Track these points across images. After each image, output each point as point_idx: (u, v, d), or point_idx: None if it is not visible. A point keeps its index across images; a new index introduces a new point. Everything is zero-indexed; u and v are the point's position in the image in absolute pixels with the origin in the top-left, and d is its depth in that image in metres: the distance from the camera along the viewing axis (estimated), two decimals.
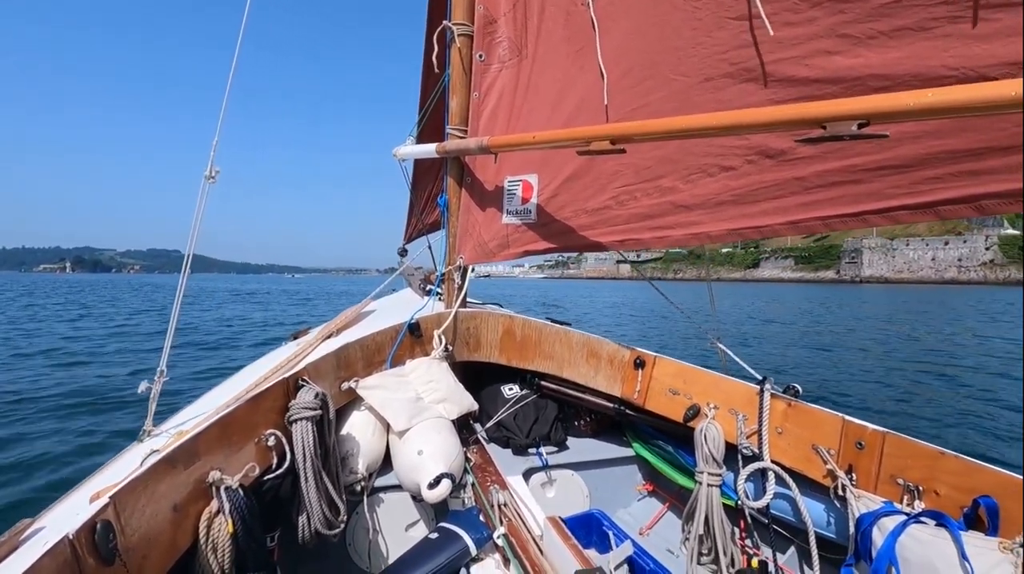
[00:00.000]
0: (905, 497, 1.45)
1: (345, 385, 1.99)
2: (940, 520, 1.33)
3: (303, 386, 1.71)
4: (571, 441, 2.39)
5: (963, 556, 1.23)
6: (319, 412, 1.66)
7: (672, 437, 2.13)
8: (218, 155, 1.94)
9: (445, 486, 1.74)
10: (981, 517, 1.30)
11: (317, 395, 1.68)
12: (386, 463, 1.98)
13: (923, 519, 1.36)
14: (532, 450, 2.28)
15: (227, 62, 2.14)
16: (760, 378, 1.81)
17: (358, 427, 1.98)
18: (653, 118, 1.82)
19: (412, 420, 1.93)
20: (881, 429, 1.53)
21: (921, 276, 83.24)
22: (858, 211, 1.48)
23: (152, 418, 1.76)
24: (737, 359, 2.02)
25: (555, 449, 2.32)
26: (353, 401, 2.04)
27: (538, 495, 2.14)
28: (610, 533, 1.91)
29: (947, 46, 1.27)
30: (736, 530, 1.84)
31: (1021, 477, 1.27)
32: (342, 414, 2.01)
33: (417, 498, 1.96)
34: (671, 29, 1.77)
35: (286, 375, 1.73)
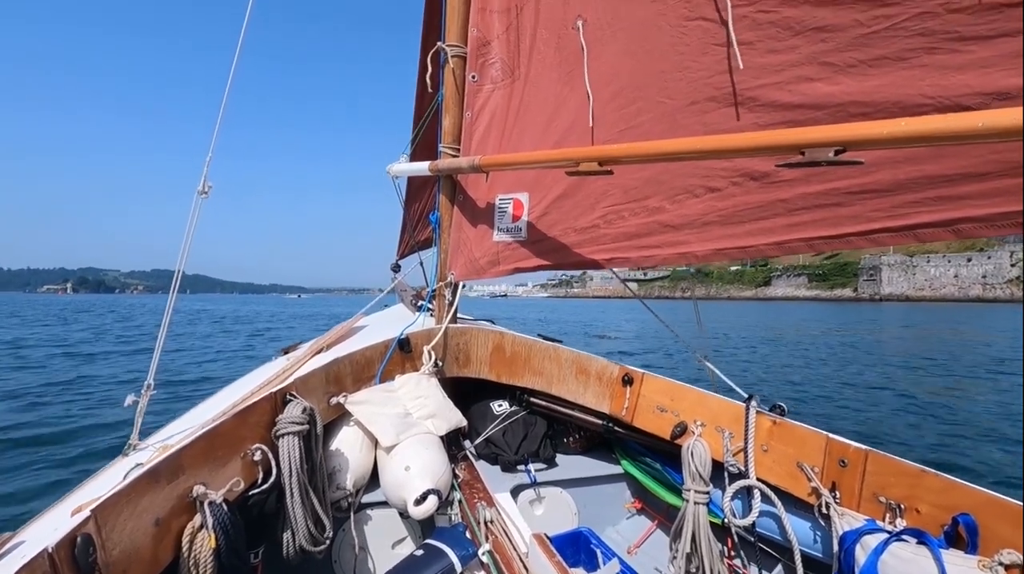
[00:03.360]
0: (887, 515, 1.46)
1: (334, 400, 1.99)
2: (921, 538, 1.34)
3: (291, 401, 1.71)
4: (560, 458, 2.39)
5: None
6: (306, 427, 1.66)
7: (660, 454, 2.14)
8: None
9: (431, 503, 1.73)
10: (961, 535, 1.31)
11: (305, 410, 1.68)
12: (373, 479, 1.98)
13: (905, 537, 1.37)
14: (521, 467, 2.28)
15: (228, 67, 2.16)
16: (746, 396, 1.83)
17: (346, 442, 1.97)
18: (642, 139, 1.87)
19: (400, 436, 1.93)
20: (863, 447, 1.55)
21: (944, 294, 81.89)
22: (841, 233, 1.52)
23: (138, 432, 1.75)
24: (724, 378, 2.04)
25: (544, 466, 2.32)
26: (341, 416, 2.04)
27: (526, 512, 2.14)
28: (598, 551, 1.91)
29: (924, 75, 1.32)
30: (724, 548, 1.84)
31: (999, 495, 1.29)
32: (330, 429, 2.01)
33: (404, 515, 1.95)
34: (659, 53, 1.82)
35: (274, 390, 1.73)
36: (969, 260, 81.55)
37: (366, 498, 2.00)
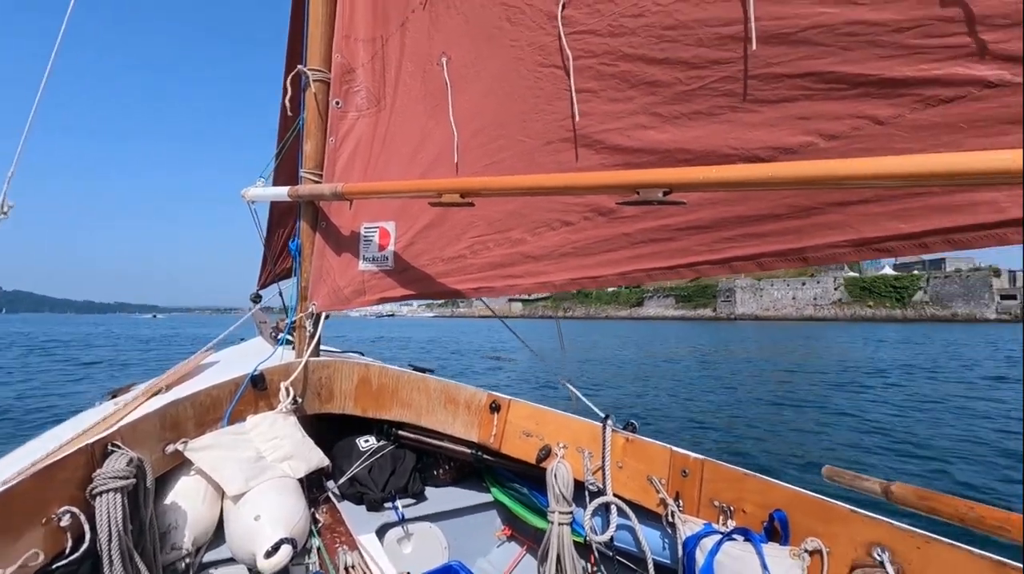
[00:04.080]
0: (720, 517, 1.62)
1: (171, 448, 1.77)
2: (747, 536, 1.50)
3: (113, 452, 1.50)
4: (430, 491, 2.34)
5: (764, 566, 1.40)
6: (132, 481, 1.46)
7: (528, 479, 2.18)
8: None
9: (284, 553, 1.60)
10: (777, 529, 1.50)
11: (131, 462, 1.48)
12: (220, 534, 1.78)
13: (734, 536, 1.53)
14: (388, 504, 2.19)
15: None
16: (603, 416, 1.95)
17: (185, 495, 1.77)
18: (504, 174, 1.95)
19: (250, 482, 1.77)
20: (700, 457, 1.71)
21: (785, 314, 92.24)
22: (672, 265, 1.70)
23: None
24: (584, 399, 2.15)
25: (413, 501, 2.25)
26: (181, 465, 1.82)
27: (393, 552, 2.05)
28: None
29: (730, 130, 1.54)
30: (587, 566, 1.91)
31: (804, 491, 1.49)
32: (167, 481, 1.79)
33: (253, 570, 1.78)
34: (518, 96, 1.93)
35: (92, 440, 1.51)
36: (803, 284, 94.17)
37: (209, 556, 1.79)
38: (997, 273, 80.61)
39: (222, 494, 1.80)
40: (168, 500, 1.74)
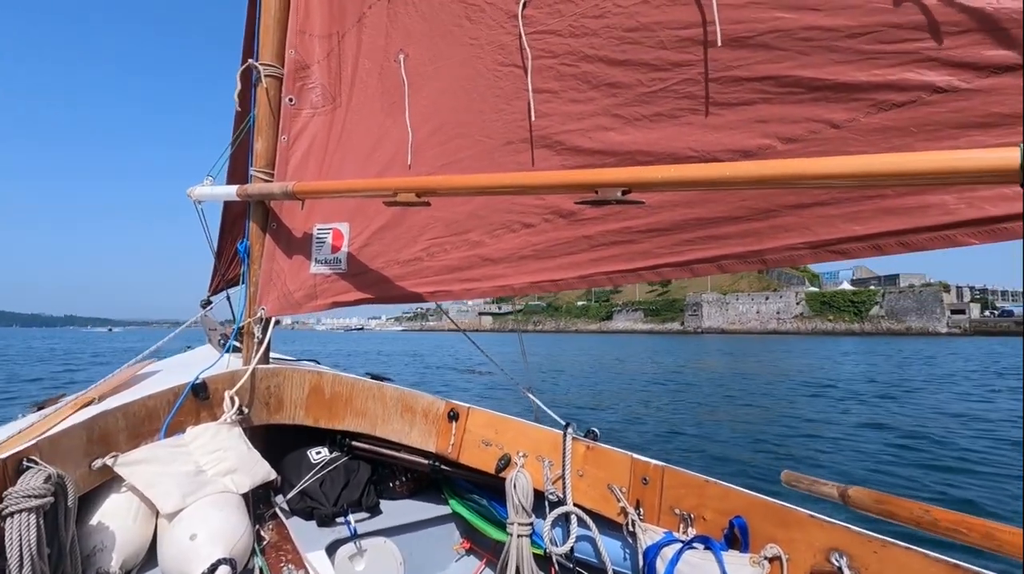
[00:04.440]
0: (681, 525, 1.58)
1: (98, 463, 1.64)
2: (707, 543, 1.47)
3: (29, 468, 1.37)
4: (385, 504, 2.24)
5: None
6: (49, 500, 1.33)
7: (487, 490, 2.11)
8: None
9: None
10: (737, 536, 1.47)
11: (49, 478, 1.35)
12: (152, 555, 1.65)
13: (695, 544, 1.49)
14: (340, 519, 2.08)
15: None
16: (564, 423, 1.90)
17: (115, 514, 1.63)
18: (462, 174, 1.90)
19: (187, 498, 1.65)
20: (661, 464, 1.68)
21: (749, 327, 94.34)
22: (633, 268, 1.67)
23: None
24: (544, 407, 2.10)
25: (367, 515, 2.15)
26: (111, 482, 1.69)
27: (345, 569, 1.95)
28: None
29: (690, 132, 1.53)
30: None
31: (763, 497, 1.47)
32: (95, 499, 1.66)
33: None
34: (477, 94, 1.89)
35: (3, 455, 1.38)
36: (767, 299, 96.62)
37: None
38: (947, 288, 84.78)
39: (156, 512, 1.67)
40: (95, 520, 1.60)
